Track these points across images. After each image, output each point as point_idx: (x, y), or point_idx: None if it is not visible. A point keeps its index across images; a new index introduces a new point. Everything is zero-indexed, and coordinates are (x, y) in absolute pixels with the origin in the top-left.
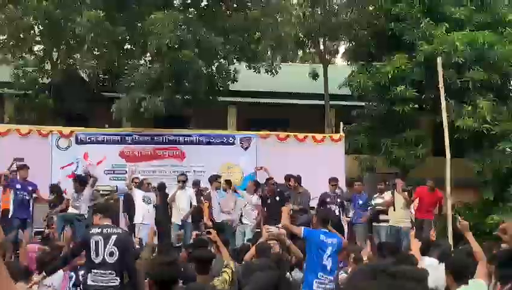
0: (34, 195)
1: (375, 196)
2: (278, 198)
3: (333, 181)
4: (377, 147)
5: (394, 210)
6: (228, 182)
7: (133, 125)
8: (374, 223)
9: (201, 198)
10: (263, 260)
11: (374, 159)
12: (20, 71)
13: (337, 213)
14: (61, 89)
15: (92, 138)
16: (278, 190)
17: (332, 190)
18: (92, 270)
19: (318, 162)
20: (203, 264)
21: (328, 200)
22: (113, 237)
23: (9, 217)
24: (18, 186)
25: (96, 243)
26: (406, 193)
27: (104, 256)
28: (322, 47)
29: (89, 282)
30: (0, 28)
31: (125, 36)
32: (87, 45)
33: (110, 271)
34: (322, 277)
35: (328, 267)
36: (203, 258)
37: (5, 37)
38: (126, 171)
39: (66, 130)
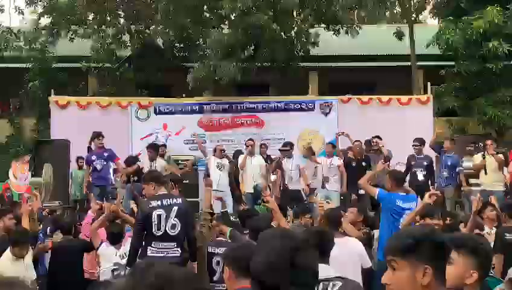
0: (112, 163)
1: (464, 158)
2: (364, 163)
3: (416, 141)
4: (469, 108)
5: (486, 173)
6: (309, 149)
7: (213, 94)
8: (464, 188)
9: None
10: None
11: (465, 121)
12: (99, 44)
13: (421, 178)
14: (139, 60)
15: (171, 108)
16: (364, 154)
17: (417, 151)
18: (153, 243)
19: (405, 126)
20: (255, 234)
21: (412, 163)
22: (175, 208)
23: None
24: (93, 157)
25: (159, 216)
26: (501, 155)
27: (166, 229)
28: (406, 4)
29: (149, 253)
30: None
31: (198, 3)
32: (160, 13)
33: (171, 243)
34: None
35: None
36: (254, 228)
37: (81, 11)
38: (205, 141)
39: (145, 101)
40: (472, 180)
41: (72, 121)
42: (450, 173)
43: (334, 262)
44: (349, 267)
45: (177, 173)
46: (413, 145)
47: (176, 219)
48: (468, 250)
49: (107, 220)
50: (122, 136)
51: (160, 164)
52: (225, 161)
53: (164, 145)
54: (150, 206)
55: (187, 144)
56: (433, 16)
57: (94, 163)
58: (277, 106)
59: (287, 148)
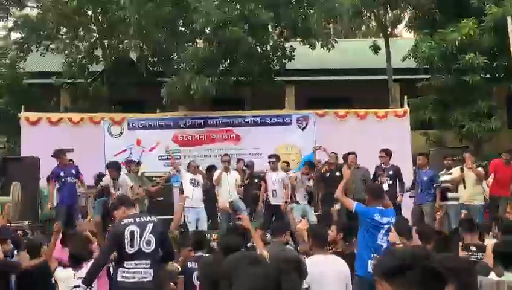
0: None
1: (441, 172)
2: (338, 173)
3: (382, 152)
4: (445, 121)
5: (465, 187)
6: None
7: (187, 109)
8: (442, 202)
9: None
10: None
11: (443, 134)
12: (71, 59)
13: (387, 188)
14: (112, 75)
15: (144, 124)
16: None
17: (382, 161)
18: (125, 263)
19: (382, 140)
20: (230, 253)
21: (379, 173)
22: (150, 225)
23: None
24: (61, 173)
25: (132, 233)
26: (480, 169)
27: (140, 245)
28: (382, 17)
29: (119, 278)
30: (47, 13)
31: (171, 17)
32: (133, 27)
33: (144, 261)
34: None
35: (383, 248)
36: (229, 247)
37: (52, 25)
38: (180, 157)
39: (118, 116)
40: (450, 195)
41: (43, 137)
42: (427, 189)
43: (319, 281)
44: (334, 287)
45: (151, 190)
46: (379, 156)
47: (150, 235)
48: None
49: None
50: (96, 153)
51: (124, 180)
52: (199, 177)
53: (139, 163)
54: (123, 223)
55: (161, 159)
56: (408, 29)
57: (63, 179)
58: (253, 120)
59: (274, 160)
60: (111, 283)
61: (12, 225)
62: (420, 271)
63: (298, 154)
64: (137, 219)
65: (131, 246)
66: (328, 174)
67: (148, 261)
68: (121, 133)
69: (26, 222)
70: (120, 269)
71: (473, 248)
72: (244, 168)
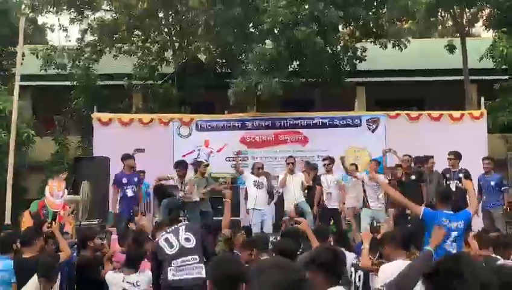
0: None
1: None
2: (413, 177)
3: (450, 154)
4: None
5: None
6: (355, 167)
7: (256, 110)
8: None
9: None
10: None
11: None
12: (142, 61)
13: (454, 189)
14: (182, 77)
15: (212, 125)
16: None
17: (451, 164)
18: (172, 263)
19: (456, 143)
20: (286, 257)
21: (447, 175)
22: (182, 227)
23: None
24: (124, 180)
25: (166, 239)
26: None
27: (180, 243)
28: (458, 16)
29: (170, 277)
30: (120, 16)
31: (240, 18)
32: (201, 28)
33: (191, 256)
34: None
35: (453, 253)
36: (285, 251)
37: (125, 28)
38: (248, 158)
39: (186, 117)
40: None
41: (114, 138)
42: (494, 193)
43: None
44: None
45: (216, 189)
46: (448, 158)
47: (187, 233)
48: None
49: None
50: (165, 153)
51: (189, 179)
52: (263, 179)
53: (207, 165)
54: (156, 239)
55: (229, 161)
56: (486, 28)
57: (125, 188)
58: (321, 121)
59: (327, 162)
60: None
61: (82, 223)
62: None
63: (368, 157)
64: (168, 229)
65: (171, 247)
66: (404, 178)
67: (196, 256)
68: (190, 134)
69: (95, 221)
70: (169, 268)
71: None
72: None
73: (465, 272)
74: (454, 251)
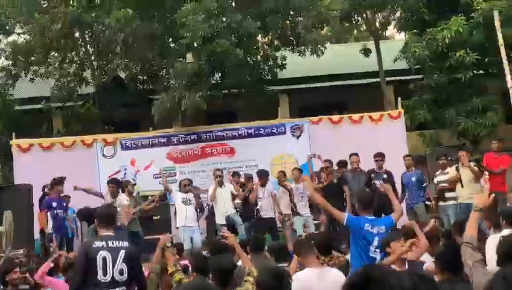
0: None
1: (437, 173)
2: (335, 181)
3: (377, 156)
4: (441, 120)
5: (462, 186)
6: (281, 174)
7: (180, 126)
8: (440, 203)
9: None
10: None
11: (439, 134)
12: (59, 83)
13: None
14: (102, 96)
15: (137, 143)
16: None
17: (377, 165)
18: None
19: (378, 143)
20: (223, 275)
21: (372, 175)
22: (122, 252)
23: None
24: (54, 204)
25: (104, 259)
26: (473, 164)
27: (113, 275)
28: (371, 21)
29: None
30: (35, 38)
31: (159, 33)
32: (119, 46)
33: (120, 288)
34: None
35: (377, 260)
36: (222, 268)
37: (40, 50)
38: (176, 174)
39: (110, 137)
40: (448, 194)
41: (36, 164)
42: (417, 189)
43: None
44: None
45: (145, 209)
46: (376, 160)
47: (123, 264)
48: None
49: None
50: (90, 175)
51: (120, 201)
52: (190, 195)
53: (134, 184)
54: (94, 246)
55: (157, 178)
56: (398, 30)
57: (55, 211)
58: (246, 132)
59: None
60: None
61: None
62: None
63: (295, 164)
64: (110, 243)
65: (104, 274)
66: (326, 183)
67: (124, 288)
68: (115, 153)
69: (21, 251)
70: None
71: None
72: (242, 180)
73: (390, 280)
74: (378, 257)
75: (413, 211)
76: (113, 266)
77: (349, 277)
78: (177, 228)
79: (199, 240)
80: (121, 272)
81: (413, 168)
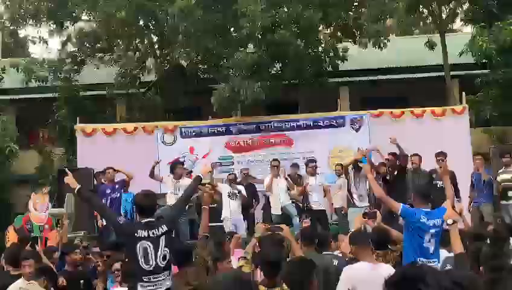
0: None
1: (500, 171)
2: (396, 173)
3: (439, 155)
4: (508, 117)
5: None
6: (340, 167)
7: (241, 115)
8: (503, 202)
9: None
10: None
11: (505, 131)
12: (123, 70)
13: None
14: (164, 84)
15: (197, 131)
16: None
17: (440, 165)
18: (143, 278)
19: (440, 139)
20: (270, 267)
21: (434, 176)
22: (162, 239)
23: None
24: (108, 190)
25: (145, 249)
26: None
27: (156, 262)
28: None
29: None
30: (100, 25)
31: (220, 23)
32: (182, 35)
33: (164, 273)
34: (423, 262)
35: (431, 250)
36: (270, 260)
37: (106, 37)
38: (233, 163)
39: (170, 125)
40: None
41: (98, 148)
42: (485, 190)
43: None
44: None
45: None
46: (438, 160)
47: (166, 249)
48: None
49: None
50: (149, 162)
51: (184, 183)
52: (235, 190)
53: (191, 171)
54: (136, 235)
55: (214, 167)
56: (464, 24)
57: (109, 196)
58: (305, 123)
59: (313, 164)
60: None
61: (68, 235)
62: None
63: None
64: (151, 232)
65: (147, 263)
66: (388, 177)
67: (167, 271)
68: (174, 141)
69: (82, 233)
70: (139, 284)
71: None
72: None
73: (428, 278)
74: (432, 248)
75: (479, 211)
76: (156, 254)
77: (390, 275)
78: (222, 219)
79: (243, 230)
80: (164, 258)
81: (483, 167)
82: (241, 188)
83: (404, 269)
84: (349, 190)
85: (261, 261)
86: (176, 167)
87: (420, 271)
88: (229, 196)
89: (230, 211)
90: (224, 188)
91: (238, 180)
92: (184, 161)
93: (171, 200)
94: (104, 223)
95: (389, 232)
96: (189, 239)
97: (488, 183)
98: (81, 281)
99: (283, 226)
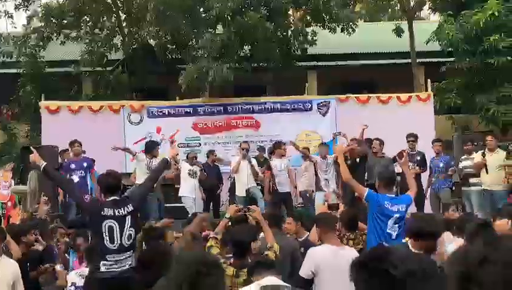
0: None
1: (462, 157)
2: (358, 160)
3: (410, 137)
4: (471, 105)
5: (487, 172)
6: (307, 150)
7: (208, 96)
8: (464, 188)
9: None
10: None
11: (468, 119)
12: (89, 48)
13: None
14: (132, 63)
15: (164, 111)
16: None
17: (410, 147)
18: (107, 257)
19: (405, 125)
20: (239, 248)
21: (396, 162)
22: (128, 218)
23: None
24: (72, 166)
25: (110, 228)
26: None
27: (121, 241)
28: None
29: (103, 269)
30: (67, 2)
31: (190, 3)
32: (150, 14)
33: (127, 253)
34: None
35: (394, 235)
36: (240, 240)
37: (73, 13)
38: (200, 144)
39: (137, 104)
40: (472, 180)
41: (63, 126)
42: (442, 175)
43: (329, 271)
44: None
45: (167, 177)
46: (409, 141)
47: (131, 229)
48: None
49: None
50: (115, 141)
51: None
52: (196, 168)
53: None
54: (102, 214)
55: (181, 147)
56: (432, 11)
57: (73, 173)
58: (273, 106)
59: (282, 147)
60: None
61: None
62: None
63: (319, 141)
64: (116, 212)
65: (112, 242)
66: (348, 162)
67: (131, 251)
68: (141, 120)
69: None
70: (102, 261)
71: None
72: (266, 155)
73: (395, 259)
74: (395, 234)
75: (438, 196)
76: (121, 234)
77: (358, 256)
78: (180, 196)
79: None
80: (129, 238)
81: (442, 153)
82: (197, 168)
83: (370, 250)
84: (316, 174)
85: (231, 242)
86: (154, 148)
87: (387, 252)
88: (189, 174)
89: (189, 189)
90: (184, 167)
91: (205, 161)
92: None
93: (140, 179)
94: (63, 200)
95: (358, 214)
96: (158, 217)
97: (446, 169)
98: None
99: (254, 207)
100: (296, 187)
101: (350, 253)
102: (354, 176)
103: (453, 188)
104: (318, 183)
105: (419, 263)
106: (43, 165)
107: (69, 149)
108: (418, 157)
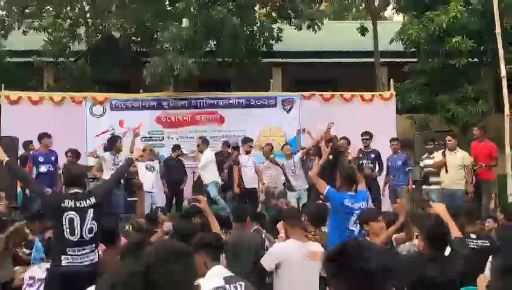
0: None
1: (423, 157)
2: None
3: (364, 135)
4: (432, 105)
5: (447, 172)
6: (271, 147)
7: (171, 90)
8: (424, 186)
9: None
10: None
11: (429, 118)
12: (52, 38)
13: (368, 171)
14: (95, 55)
15: (127, 104)
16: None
17: (364, 145)
18: (67, 250)
19: (367, 123)
20: (183, 238)
21: (360, 155)
22: (90, 211)
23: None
24: (41, 159)
25: (71, 220)
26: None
27: (82, 234)
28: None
29: (64, 263)
30: None
31: None
32: (115, 5)
33: (89, 246)
34: None
35: (356, 233)
36: (182, 232)
37: (35, 2)
38: (164, 138)
39: (100, 96)
40: (432, 179)
41: (24, 117)
42: (402, 173)
43: (293, 266)
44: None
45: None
46: (363, 139)
47: (93, 222)
48: None
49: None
50: (77, 133)
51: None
52: (155, 163)
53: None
54: (63, 205)
55: (144, 141)
56: (396, 12)
57: (41, 165)
58: (237, 101)
59: (249, 144)
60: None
61: None
62: None
63: (283, 137)
64: (78, 203)
65: (72, 234)
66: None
67: (93, 245)
68: (104, 113)
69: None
70: (63, 255)
71: (473, 236)
72: (230, 150)
73: (368, 254)
74: (357, 231)
75: (396, 194)
76: (82, 226)
77: (329, 250)
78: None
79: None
80: (91, 231)
81: (400, 151)
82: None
83: (344, 244)
84: (285, 173)
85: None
86: (116, 142)
87: (360, 247)
88: (147, 168)
89: (151, 184)
90: (142, 162)
91: (169, 155)
92: (113, 134)
93: (106, 176)
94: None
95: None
96: (123, 212)
97: (403, 166)
98: None
99: (200, 197)
100: (264, 184)
101: (315, 249)
102: (333, 173)
103: (409, 186)
104: (288, 183)
105: (389, 257)
106: (5, 160)
107: (39, 141)
108: (372, 155)
